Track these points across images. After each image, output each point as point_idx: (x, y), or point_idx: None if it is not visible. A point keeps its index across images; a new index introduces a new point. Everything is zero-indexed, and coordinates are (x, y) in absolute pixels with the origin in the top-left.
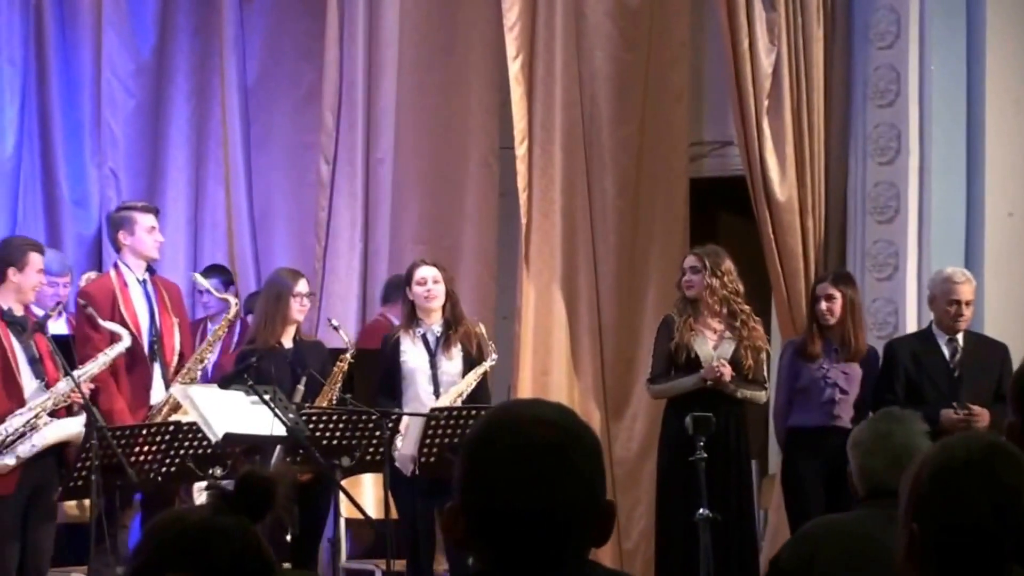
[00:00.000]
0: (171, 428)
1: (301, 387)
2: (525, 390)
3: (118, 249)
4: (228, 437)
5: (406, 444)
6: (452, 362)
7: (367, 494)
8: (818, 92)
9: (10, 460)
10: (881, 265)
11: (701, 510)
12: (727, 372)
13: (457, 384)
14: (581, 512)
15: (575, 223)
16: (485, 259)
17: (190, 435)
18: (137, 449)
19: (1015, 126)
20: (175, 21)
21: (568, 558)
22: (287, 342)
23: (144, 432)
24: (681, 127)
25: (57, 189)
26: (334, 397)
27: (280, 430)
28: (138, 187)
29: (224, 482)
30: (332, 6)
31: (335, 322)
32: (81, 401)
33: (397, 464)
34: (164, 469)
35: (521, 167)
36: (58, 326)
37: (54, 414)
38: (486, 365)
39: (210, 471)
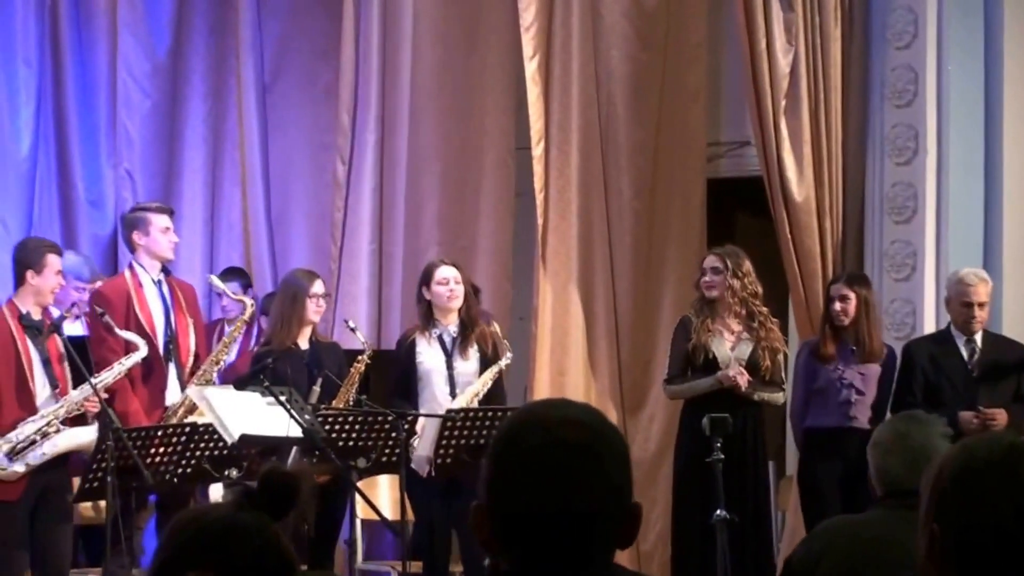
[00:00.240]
0: (187, 429)
1: (317, 388)
2: (541, 391)
3: (132, 250)
4: (244, 438)
5: (422, 445)
6: (468, 362)
7: (383, 495)
8: (836, 92)
9: (20, 467)
10: (899, 266)
11: (718, 511)
12: (743, 380)
13: (473, 384)
14: (608, 513)
15: (592, 223)
16: (501, 259)
17: (206, 436)
18: (153, 450)
19: None
20: (191, 22)
21: (594, 559)
22: (303, 343)
23: (160, 433)
24: (698, 127)
25: (73, 190)
26: (351, 398)
27: (296, 431)
28: (154, 188)
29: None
30: (348, 6)
31: (352, 323)
32: (94, 409)
33: (413, 465)
34: (180, 470)
35: (538, 167)
36: (75, 327)
37: (65, 421)
38: (501, 364)
39: (226, 472)
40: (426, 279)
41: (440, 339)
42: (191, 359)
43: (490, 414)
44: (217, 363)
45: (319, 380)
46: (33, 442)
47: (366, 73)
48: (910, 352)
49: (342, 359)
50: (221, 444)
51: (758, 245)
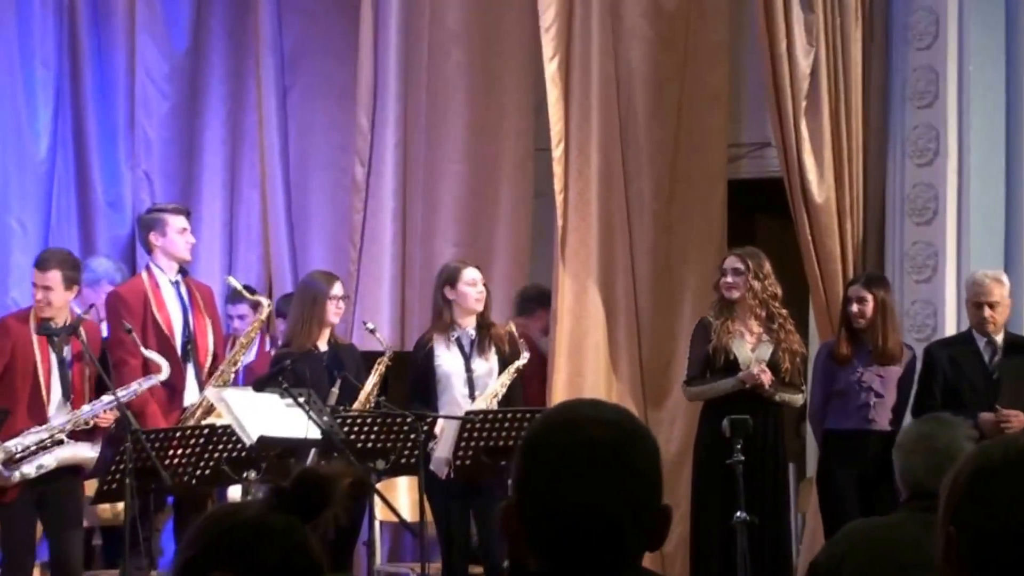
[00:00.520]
0: (205, 431)
1: (335, 390)
2: (559, 393)
3: (150, 251)
4: (263, 440)
5: (441, 447)
6: (487, 364)
7: (402, 497)
8: (856, 93)
9: (15, 475)
10: (920, 267)
11: (738, 513)
12: (767, 379)
13: (491, 385)
14: (637, 513)
15: (612, 225)
16: (520, 261)
17: (224, 438)
18: (171, 452)
19: None
20: (209, 23)
21: (623, 560)
22: (322, 345)
23: (178, 435)
24: (719, 128)
25: (91, 192)
26: (371, 400)
27: (315, 433)
28: (172, 190)
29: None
30: (367, 7)
31: (371, 325)
32: (105, 424)
33: (432, 467)
34: (198, 472)
35: (557, 169)
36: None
37: (75, 433)
38: (518, 363)
39: (244, 474)
40: (451, 280)
41: (458, 341)
42: (209, 359)
43: (509, 416)
44: (235, 364)
45: (338, 382)
46: (34, 453)
47: (384, 74)
48: (931, 354)
49: (360, 361)
50: (240, 446)
51: (779, 246)
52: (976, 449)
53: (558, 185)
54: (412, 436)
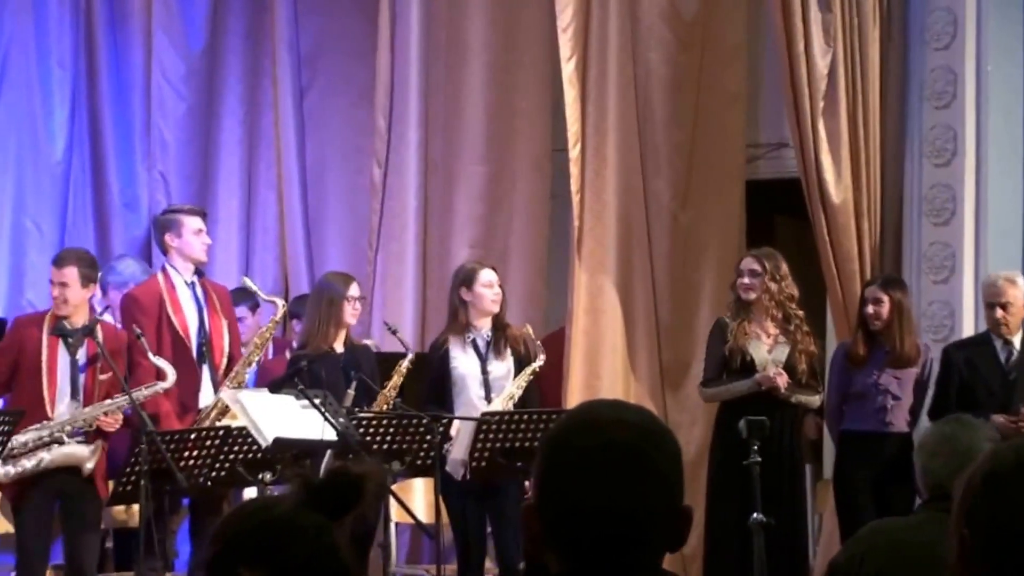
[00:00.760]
0: (221, 432)
1: (351, 391)
2: (575, 395)
3: (165, 252)
4: (278, 442)
5: (457, 448)
6: (503, 365)
7: (418, 499)
8: (874, 94)
9: (10, 470)
10: (937, 268)
11: (755, 514)
12: (783, 381)
13: (507, 387)
14: (658, 514)
15: (629, 226)
16: (536, 263)
17: (240, 439)
18: (187, 453)
19: None
20: (226, 23)
21: (643, 561)
22: (339, 346)
23: (193, 436)
24: (737, 129)
25: (107, 193)
26: (390, 402)
27: (331, 434)
28: (189, 191)
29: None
30: (384, 7)
31: (392, 326)
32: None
33: (448, 469)
34: (213, 474)
35: (574, 170)
36: None
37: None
38: (534, 365)
39: (260, 476)
40: (467, 282)
41: (474, 343)
42: (224, 361)
43: (525, 417)
44: (249, 364)
45: (353, 383)
46: (31, 450)
47: (402, 75)
48: (947, 356)
49: (375, 362)
50: (255, 447)
51: (797, 247)
52: (989, 451)
53: (575, 186)
54: (428, 437)
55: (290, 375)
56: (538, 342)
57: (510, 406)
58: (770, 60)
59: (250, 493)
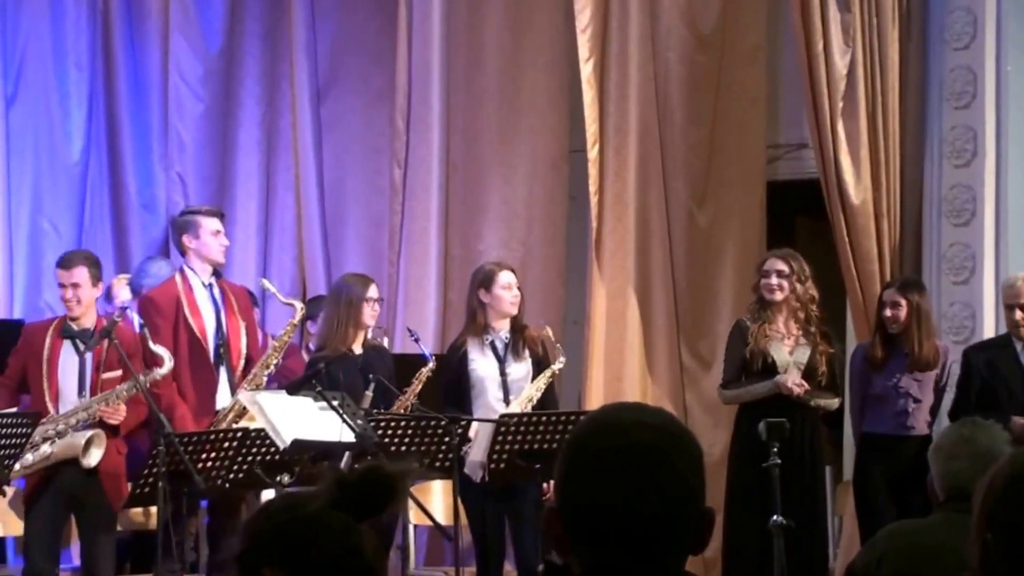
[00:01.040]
0: (238, 434)
1: (369, 393)
2: (596, 396)
3: (183, 253)
4: (296, 443)
5: (475, 450)
6: (521, 367)
7: (436, 501)
8: (893, 94)
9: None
10: (957, 269)
11: (775, 517)
12: (800, 391)
13: (526, 389)
14: (679, 516)
15: (649, 227)
16: (554, 263)
17: (258, 441)
18: (204, 455)
19: None
20: (243, 24)
21: (665, 563)
22: (357, 348)
23: (211, 438)
24: (757, 129)
25: (124, 194)
26: (409, 406)
27: (349, 436)
28: (206, 192)
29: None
30: (402, 9)
31: (415, 334)
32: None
33: (466, 470)
34: (231, 476)
35: (593, 170)
36: None
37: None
38: (554, 368)
39: (278, 478)
40: (485, 283)
41: (492, 345)
42: (242, 362)
43: (544, 419)
44: (267, 367)
45: (372, 385)
46: (33, 444)
47: (421, 76)
48: (968, 358)
49: (392, 363)
50: (273, 449)
51: (818, 248)
52: (1010, 456)
53: (593, 187)
54: (446, 439)
55: (308, 377)
56: (557, 344)
57: (529, 408)
58: (790, 60)
59: (268, 495)
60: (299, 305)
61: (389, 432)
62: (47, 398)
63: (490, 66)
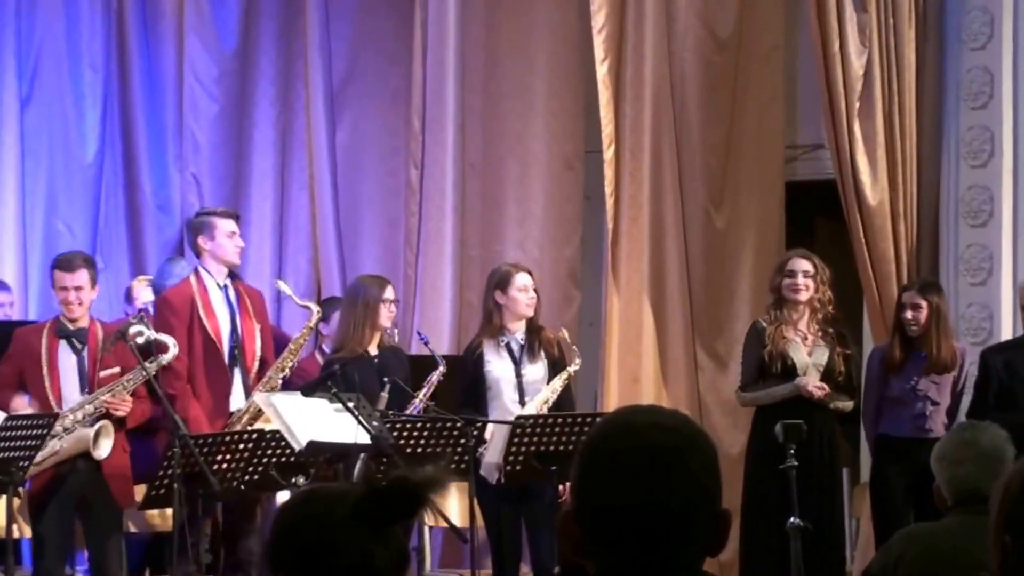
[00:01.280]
0: (254, 436)
1: (385, 394)
2: (612, 397)
3: (198, 254)
4: (312, 445)
5: (491, 452)
6: (537, 368)
7: (452, 502)
8: (910, 94)
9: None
10: (975, 270)
11: (792, 519)
12: (821, 394)
13: (542, 391)
14: (695, 517)
15: (665, 227)
16: (569, 265)
17: (273, 443)
18: (219, 457)
19: None
20: (258, 24)
21: (682, 564)
22: (372, 349)
23: (226, 440)
24: (776, 130)
25: (140, 194)
26: (425, 407)
27: (365, 438)
28: (221, 193)
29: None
30: (418, 9)
31: (425, 338)
32: (119, 413)
33: (482, 472)
34: (247, 477)
35: (608, 171)
36: None
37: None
38: (570, 370)
39: (293, 479)
40: (501, 284)
41: (508, 347)
42: (256, 364)
43: (560, 420)
44: (282, 370)
45: (387, 386)
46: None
47: (438, 76)
48: (985, 359)
49: (407, 363)
50: (288, 451)
51: (837, 249)
52: None
53: (609, 188)
54: (462, 441)
55: (323, 378)
56: (574, 347)
57: (544, 410)
58: (808, 61)
59: (284, 497)
60: (315, 308)
61: (404, 434)
62: (51, 399)
63: (506, 67)
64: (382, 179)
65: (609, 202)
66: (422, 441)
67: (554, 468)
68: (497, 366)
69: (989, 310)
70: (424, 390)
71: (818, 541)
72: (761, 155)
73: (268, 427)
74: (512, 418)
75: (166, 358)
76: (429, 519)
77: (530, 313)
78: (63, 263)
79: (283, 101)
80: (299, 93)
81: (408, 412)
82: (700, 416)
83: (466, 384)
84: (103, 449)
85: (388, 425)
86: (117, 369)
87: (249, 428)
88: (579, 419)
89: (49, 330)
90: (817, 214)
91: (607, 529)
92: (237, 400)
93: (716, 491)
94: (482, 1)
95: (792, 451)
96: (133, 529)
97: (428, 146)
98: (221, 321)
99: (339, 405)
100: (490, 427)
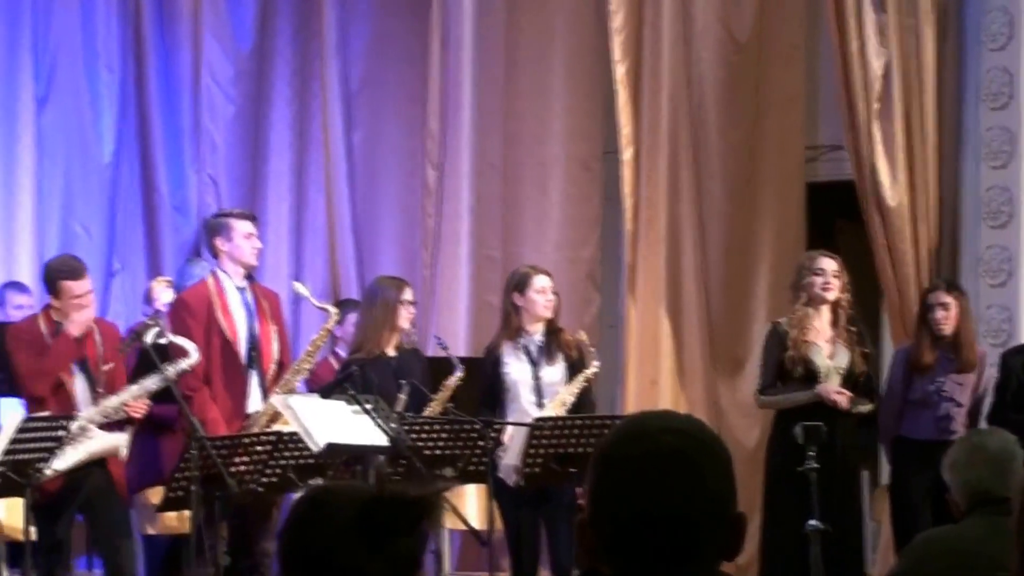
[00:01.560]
0: (271, 438)
1: (403, 396)
2: (631, 400)
3: (215, 256)
4: (331, 447)
5: (510, 454)
6: (555, 370)
7: (470, 505)
8: (929, 95)
9: (47, 471)
10: (995, 271)
11: (811, 521)
12: (843, 400)
13: (560, 393)
14: (709, 521)
15: (683, 228)
16: (588, 266)
17: (291, 445)
18: (237, 459)
19: None
20: (275, 25)
21: (697, 569)
22: (390, 351)
23: (244, 442)
24: (796, 130)
25: (156, 195)
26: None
27: (383, 440)
28: (238, 193)
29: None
30: (435, 9)
31: (442, 341)
32: (136, 415)
33: (500, 474)
34: (264, 479)
35: (627, 173)
36: None
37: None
38: (588, 373)
39: (311, 481)
40: (520, 286)
41: (526, 349)
42: (273, 366)
43: (579, 422)
44: (299, 373)
45: (406, 388)
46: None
47: (454, 77)
48: (1005, 361)
49: (426, 365)
50: (306, 453)
51: (858, 251)
52: None
53: (627, 189)
54: (481, 443)
55: (341, 380)
56: (592, 349)
57: (562, 412)
58: (828, 60)
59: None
60: (333, 310)
61: (423, 436)
62: (76, 398)
63: (523, 67)
64: (399, 180)
65: (627, 203)
66: (440, 443)
67: (573, 470)
68: (515, 368)
69: (1009, 312)
70: (441, 393)
71: (837, 544)
72: (781, 156)
73: (286, 429)
74: (530, 420)
75: (188, 363)
76: (448, 521)
77: (548, 315)
78: (75, 272)
79: (300, 101)
80: (316, 93)
81: (425, 414)
82: (717, 417)
83: (484, 386)
84: (124, 450)
85: (406, 427)
86: (112, 365)
87: (267, 430)
88: (598, 421)
89: (48, 332)
90: (837, 215)
91: (622, 535)
92: (254, 402)
93: (731, 495)
94: (500, 1)
95: (812, 453)
96: (151, 532)
97: (445, 147)
98: (238, 323)
99: (357, 407)
100: (509, 429)
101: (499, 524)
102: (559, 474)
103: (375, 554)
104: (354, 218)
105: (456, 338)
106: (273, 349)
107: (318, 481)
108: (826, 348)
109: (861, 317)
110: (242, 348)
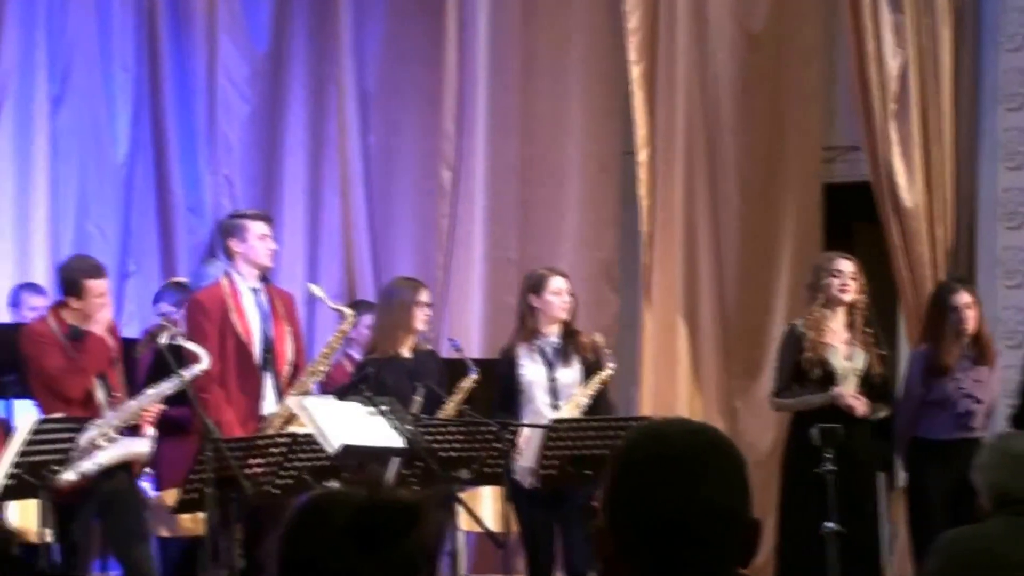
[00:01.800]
0: (286, 440)
1: (419, 398)
2: (648, 402)
3: (230, 257)
4: (347, 449)
5: (525, 456)
6: (571, 372)
7: (486, 507)
8: (946, 96)
9: (72, 475)
10: (1011, 272)
11: (828, 523)
12: (860, 406)
13: (575, 395)
14: (722, 525)
15: (699, 230)
16: (605, 267)
17: (306, 447)
18: (252, 461)
19: None
20: (290, 25)
21: (715, 571)
22: (406, 352)
23: (259, 444)
24: (813, 131)
25: (171, 196)
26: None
27: (398, 441)
28: (253, 194)
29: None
30: (451, 10)
31: (457, 344)
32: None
33: (516, 476)
34: (280, 481)
35: (643, 174)
36: None
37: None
38: (604, 375)
39: (326, 483)
40: (536, 288)
41: (541, 350)
42: (288, 368)
43: (595, 424)
44: (315, 375)
45: (421, 390)
46: (87, 451)
47: (470, 78)
48: None
49: (442, 367)
50: (321, 454)
51: (875, 253)
52: None
53: (643, 190)
54: (497, 445)
55: (356, 381)
56: (608, 351)
57: (577, 414)
58: (845, 61)
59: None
60: (348, 312)
61: (439, 437)
62: (101, 401)
63: (539, 67)
64: (415, 181)
65: (644, 204)
66: (456, 445)
67: (588, 473)
68: (530, 370)
69: None
70: (456, 395)
71: (853, 546)
72: (798, 156)
73: (301, 431)
74: (546, 422)
75: (200, 368)
76: (464, 523)
77: (564, 316)
78: (96, 271)
79: (315, 102)
80: (331, 94)
81: (440, 416)
82: (732, 419)
83: (500, 390)
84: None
85: (422, 428)
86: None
87: (283, 431)
88: (614, 423)
89: (61, 332)
90: (854, 217)
91: (638, 540)
92: (268, 404)
93: (744, 500)
94: (516, 2)
95: (829, 455)
96: (165, 534)
97: (461, 148)
98: (252, 324)
99: (372, 408)
100: (524, 431)
101: (515, 526)
102: (575, 476)
103: (369, 559)
104: (369, 219)
105: (469, 339)
106: (288, 350)
107: (334, 483)
108: (843, 350)
109: (877, 319)
110: (256, 349)
